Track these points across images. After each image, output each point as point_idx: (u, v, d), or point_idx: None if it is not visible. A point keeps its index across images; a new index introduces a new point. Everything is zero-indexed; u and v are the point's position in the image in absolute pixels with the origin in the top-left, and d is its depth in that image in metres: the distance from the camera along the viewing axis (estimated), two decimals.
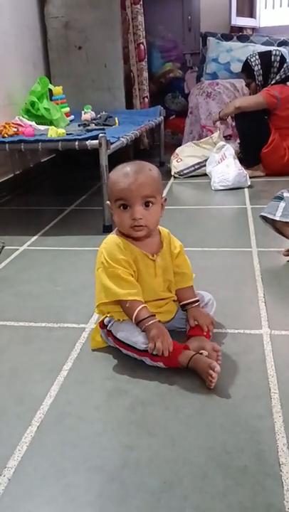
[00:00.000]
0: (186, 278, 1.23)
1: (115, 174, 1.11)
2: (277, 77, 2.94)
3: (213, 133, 3.24)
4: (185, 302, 1.22)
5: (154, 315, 1.12)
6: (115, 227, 1.18)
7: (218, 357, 1.08)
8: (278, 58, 2.92)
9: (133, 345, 1.11)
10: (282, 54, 2.96)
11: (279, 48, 3.42)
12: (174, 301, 1.24)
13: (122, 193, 1.08)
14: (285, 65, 2.93)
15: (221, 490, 0.78)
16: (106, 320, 1.18)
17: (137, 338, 1.10)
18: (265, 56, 2.96)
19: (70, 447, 0.89)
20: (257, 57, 2.96)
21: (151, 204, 1.10)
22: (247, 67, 3.02)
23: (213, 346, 1.10)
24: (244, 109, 2.90)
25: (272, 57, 2.93)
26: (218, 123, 3.18)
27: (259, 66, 2.94)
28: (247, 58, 3.02)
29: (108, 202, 1.15)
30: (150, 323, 1.09)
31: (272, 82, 2.95)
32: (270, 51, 2.98)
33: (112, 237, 1.15)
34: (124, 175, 1.08)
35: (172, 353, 1.07)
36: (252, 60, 2.97)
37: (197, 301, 1.22)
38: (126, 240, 1.13)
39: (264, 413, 0.95)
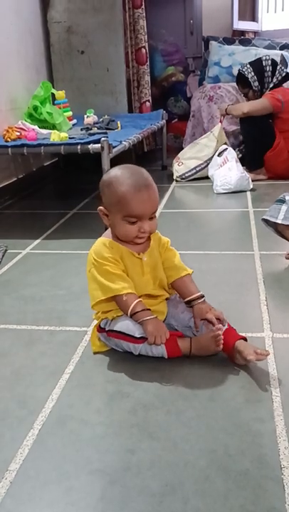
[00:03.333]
0: (177, 269, 1.22)
1: (121, 188, 1.08)
2: (275, 80, 2.98)
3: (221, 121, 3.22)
4: (189, 298, 1.20)
5: (150, 309, 1.13)
6: (106, 230, 1.19)
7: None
8: (269, 62, 2.99)
9: (132, 334, 1.11)
10: (272, 58, 3.02)
11: (275, 53, 3.47)
12: (166, 299, 1.23)
13: (135, 211, 1.08)
14: (278, 67, 2.97)
15: (223, 493, 0.78)
16: (102, 323, 1.19)
17: (137, 327, 1.11)
18: (256, 64, 3.02)
19: (71, 450, 0.89)
20: (248, 66, 3.03)
21: (154, 216, 1.12)
22: (240, 77, 3.07)
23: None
24: (252, 113, 2.92)
25: (263, 62, 2.99)
26: (221, 117, 3.18)
27: (252, 73, 3.00)
28: (239, 70, 3.09)
29: (102, 208, 1.14)
30: (147, 318, 1.10)
31: (271, 86, 2.98)
32: (260, 58, 3.02)
33: (99, 239, 1.17)
34: (135, 190, 1.07)
35: (171, 337, 1.10)
36: (244, 69, 3.04)
37: (202, 296, 1.20)
38: (112, 240, 1.15)
39: (266, 416, 0.95)
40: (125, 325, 1.13)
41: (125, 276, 1.13)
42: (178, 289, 1.23)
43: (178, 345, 1.11)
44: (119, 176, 1.10)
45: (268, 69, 2.97)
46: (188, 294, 1.20)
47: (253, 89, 3.02)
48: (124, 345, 1.14)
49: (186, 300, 1.21)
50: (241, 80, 3.07)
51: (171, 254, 1.23)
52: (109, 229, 1.18)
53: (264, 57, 3.00)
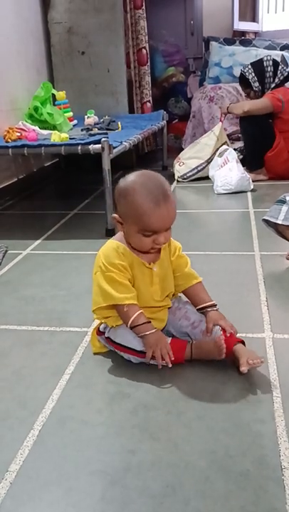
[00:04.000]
0: (188, 277, 1.20)
1: (139, 199, 1.02)
2: (277, 80, 2.97)
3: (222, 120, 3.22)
4: (201, 306, 1.18)
5: (150, 321, 1.11)
6: (117, 232, 1.17)
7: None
8: (270, 63, 2.98)
9: (132, 347, 1.11)
10: (273, 58, 3.02)
11: (275, 54, 3.48)
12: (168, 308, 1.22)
13: (153, 227, 1.04)
14: (280, 67, 2.97)
15: (223, 494, 0.78)
16: (102, 327, 1.19)
17: (137, 341, 1.10)
18: (257, 64, 3.02)
19: (72, 451, 0.89)
20: (249, 66, 3.03)
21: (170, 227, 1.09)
22: (242, 78, 3.07)
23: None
24: (252, 112, 2.92)
25: (264, 62, 2.99)
26: (222, 116, 3.18)
27: (253, 74, 3.00)
28: (241, 70, 3.08)
29: (116, 216, 1.10)
30: (148, 333, 1.08)
31: (273, 86, 2.97)
32: (261, 58, 3.03)
33: (111, 242, 1.14)
34: (154, 204, 1.02)
35: (178, 350, 1.09)
36: (245, 70, 3.04)
37: (214, 305, 1.18)
38: (125, 246, 1.12)
39: (266, 417, 0.95)
40: (125, 339, 1.11)
41: (130, 286, 1.10)
42: (189, 297, 1.21)
43: (182, 354, 1.10)
44: (137, 186, 1.04)
45: (269, 69, 2.97)
46: (200, 302, 1.19)
47: (254, 90, 3.02)
48: (124, 355, 1.14)
49: (198, 307, 1.19)
50: (243, 80, 3.07)
51: (183, 262, 1.20)
52: (121, 233, 1.14)
53: (265, 58, 3.00)
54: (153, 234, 1.06)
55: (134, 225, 1.06)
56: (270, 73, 2.97)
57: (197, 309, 1.19)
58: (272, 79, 2.98)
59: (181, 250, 1.21)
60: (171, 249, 1.19)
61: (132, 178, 1.06)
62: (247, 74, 3.01)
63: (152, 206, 1.02)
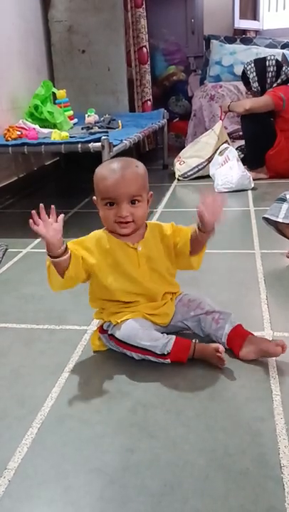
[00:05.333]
0: (185, 234, 1.14)
1: (101, 170, 1.11)
2: (279, 81, 2.95)
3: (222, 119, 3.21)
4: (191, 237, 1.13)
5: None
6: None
7: (284, 348, 1.08)
8: (273, 62, 2.95)
9: (136, 345, 1.10)
10: (276, 58, 3.00)
11: (276, 52, 3.46)
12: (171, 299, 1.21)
13: (109, 191, 1.08)
14: (283, 68, 2.95)
15: (222, 493, 0.77)
16: (105, 325, 1.18)
17: (139, 337, 1.09)
18: (260, 62, 3.00)
19: (70, 449, 0.89)
20: (252, 64, 3.01)
21: (137, 202, 1.09)
22: (244, 75, 3.06)
23: (276, 343, 1.09)
24: (253, 110, 2.90)
25: (267, 62, 2.96)
26: (223, 114, 3.18)
27: (254, 73, 2.99)
28: (243, 66, 3.06)
29: (94, 197, 1.14)
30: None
31: (274, 85, 2.96)
32: (265, 57, 3.01)
33: (93, 232, 1.18)
34: (111, 171, 1.08)
35: (182, 350, 1.09)
36: (247, 68, 3.02)
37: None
38: (106, 232, 1.15)
39: (266, 415, 0.94)
40: (131, 333, 1.10)
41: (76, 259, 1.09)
42: (193, 244, 1.14)
43: (186, 355, 1.10)
44: (105, 163, 1.13)
45: (270, 69, 2.94)
46: (193, 235, 1.12)
47: (252, 89, 3.01)
48: (127, 352, 1.13)
49: (192, 239, 1.13)
50: (244, 77, 3.06)
51: (182, 231, 1.15)
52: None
53: (269, 57, 2.97)
54: (114, 205, 1.08)
55: (98, 198, 1.11)
56: (272, 73, 2.95)
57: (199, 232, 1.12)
58: (274, 79, 2.96)
59: (174, 225, 1.18)
60: (162, 229, 1.17)
61: (105, 161, 1.15)
62: (248, 72, 2.99)
63: (108, 173, 1.08)
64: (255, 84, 2.99)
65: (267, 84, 2.97)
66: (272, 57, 2.98)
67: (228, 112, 3.11)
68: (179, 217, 2.34)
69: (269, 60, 2.96)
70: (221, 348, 1.08)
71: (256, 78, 2.98)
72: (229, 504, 0.75)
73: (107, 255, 1.12)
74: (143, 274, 1.14)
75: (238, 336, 1.13)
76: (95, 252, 1.12)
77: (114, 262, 1.12)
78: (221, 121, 3.11)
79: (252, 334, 1.15)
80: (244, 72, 3.04)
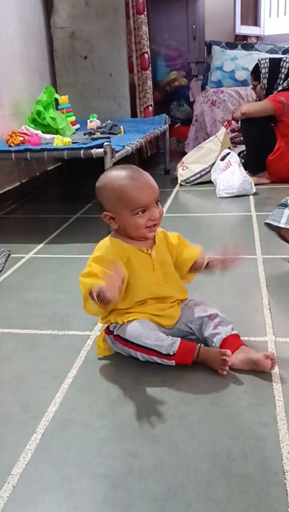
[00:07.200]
0: (191, 254, 1.21)
1: (119, 183, 1.09)
2: (285, 84, 2.96)
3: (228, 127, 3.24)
4: (196, 261, 1.20)
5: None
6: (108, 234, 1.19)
7: (273, 364, 1.08)
8: (287, 65, 2.95)
9: (142, 345, 1.10)
10: None
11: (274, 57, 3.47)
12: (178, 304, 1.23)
13: (144, 199, 1.08)
14: None
15: (225, 497, 0.78)
16: (111, 326, 1.18)
17: (145, 336, 1.10)
18: (274, 61, 3.00)
19: (74, 454, 0.89)
20: (267, 60, 3.01)
21: (158, 202, 1.13)
22: (256, 68, 3.06)
23: (266, 355, 1.09)
24: (250, 115, 2.91)
25: (282, 62, 2.96)
26: (226, 123, 3.20)
27: (267, 69, 2.98)
28: (258, 60, 3.06)
29: (106, 213, 1.13)
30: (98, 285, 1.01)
31: (279, 89, 2.97)
32: (281, 58, 3.01)
33: (103, 241, 1.17)
34: (134, 180, 1.09)
35: (188, 352, 1.10)
36: (262, 62, 3.01)
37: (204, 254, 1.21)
38: (118, 239, 1.15)
39: (268, 420, 0.95)
40: (137, 332, 1.11)
41: (102, 276, 1.05)
42: (194, 267, 1.21)
43: (191, 358, 1.11)
44: (110, 175, 1.12)
45: (283, 70, 2.95)
46: (200, 262, 1.19)
47: (261, 85, 3.02)
48: (132, 352, 1.14)
49: (196, 266, 1.20)
50: (255, 71, 3.06)
51: (185, 245, 1.23)
52: (113, 232, 1.17)
53: (284, 58, 2.98)
54: (145, 210, 1.09)
55: (125, 210, 1.10)
56: (283, 75, 2.95)
57: (196, 266, 1.20)
58: (281, 80, 2.97)
59: (180, 237, 1.24)
60: (167, 237, 1.22)
61: (104, 174, 1.15)
62: (262, 66, 2.99)
63: (130, 182, 1.08)
64: (265, 81, 3.00)
65: (275, 83, 2.98)
66: (287, 59, 2.98)
67: (232, 121, 3.13)
68: (182, 223, 2.35)
69: (284, 61, 2.96)
70: (228, 352, 1.09)
71: (267, 75, 2.99)
72: (232, 509, 0.76)
73: (128, 262, 1.13)
74: (156, 277, 1.17)
75: (232, 343, 1.14)
76: (120, 261, 1.12)
77: (132, 268, 1.14)
78: (224, 128, 3.13)
79: (245, 345, 1.15)
80: (257, 66, 3.03)
